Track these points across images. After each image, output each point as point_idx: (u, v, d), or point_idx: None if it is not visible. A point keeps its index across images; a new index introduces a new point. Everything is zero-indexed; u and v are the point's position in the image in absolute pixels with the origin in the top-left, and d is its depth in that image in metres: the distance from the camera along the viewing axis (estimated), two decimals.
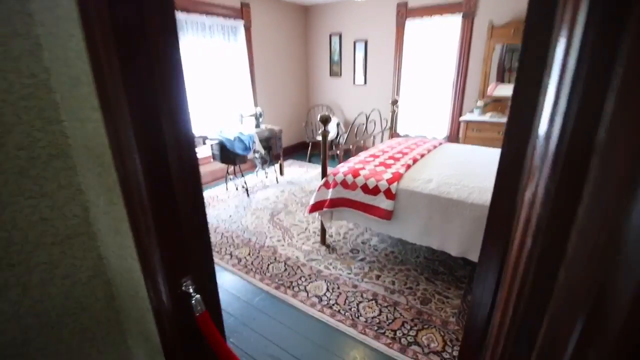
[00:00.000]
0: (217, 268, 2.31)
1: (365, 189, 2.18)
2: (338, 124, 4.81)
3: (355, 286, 2.08)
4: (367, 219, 2.21)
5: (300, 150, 5.37)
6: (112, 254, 1.03)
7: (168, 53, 0.68)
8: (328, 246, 2.55)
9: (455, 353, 1.58)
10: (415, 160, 2.46)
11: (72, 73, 0.81)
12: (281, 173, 4.19)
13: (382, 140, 3.47)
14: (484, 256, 0.64)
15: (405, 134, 4.77)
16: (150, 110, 0.69)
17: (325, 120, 2.26)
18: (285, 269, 2.26)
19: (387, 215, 2.08)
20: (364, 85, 4.87)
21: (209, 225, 2.90)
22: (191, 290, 0.85)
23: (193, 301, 0.84)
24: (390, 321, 1.78)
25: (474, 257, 1.90)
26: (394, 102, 3.50)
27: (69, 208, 0.97)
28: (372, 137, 3.26)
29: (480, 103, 3.83)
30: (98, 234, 1.04)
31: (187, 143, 0.81)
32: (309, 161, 4.86)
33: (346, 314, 1.84)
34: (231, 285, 2.12)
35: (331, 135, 4.57)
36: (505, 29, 3.59)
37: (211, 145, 3.29)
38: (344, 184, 2.27)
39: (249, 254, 2.45)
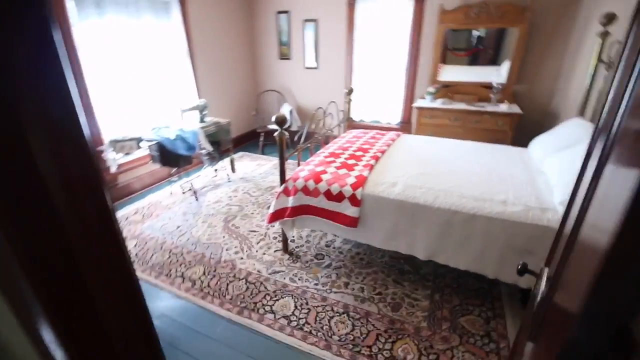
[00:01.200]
0: (167, 295, 2.04)
1: (328, 195, 2.04)
2: (291, 112, 4.55)
3: (324, 299, 1.98)
4: (332, 226, 2.08)
5: (251, 139, 5.03)
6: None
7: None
8: (291, 254, 2.40)
9: None
10: (376, 159, 2.36)
11: None
12: (232, 169, 3.87)
13: (339, 133, 3.33)
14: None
15: (360, 119, 4.68)
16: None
17: (282, 122, 2.03)
18: (247, 288, 2.07)
19: (354, 222, 1.97)
20: (316, 68, 4.62)
21: (154, 240, 2.56)
22: None
23: None
24: (364, 336, 1.72)
25: (441, 259, 1.90)
26: (350, 92, 3.35)
27: None
28: (329, 131, 3.10)
29: (431, 89, 3.84)
30: None
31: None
32: (262, 153, 4.57)
33: (318, 334, 1.73)
34: (187, 316, 1.87)
35: None
36: (456, 12, 3.57)
37: (149, 146, 2.86)
38: (305, 190, 2.10)
39: (204, 274, 2.20)
